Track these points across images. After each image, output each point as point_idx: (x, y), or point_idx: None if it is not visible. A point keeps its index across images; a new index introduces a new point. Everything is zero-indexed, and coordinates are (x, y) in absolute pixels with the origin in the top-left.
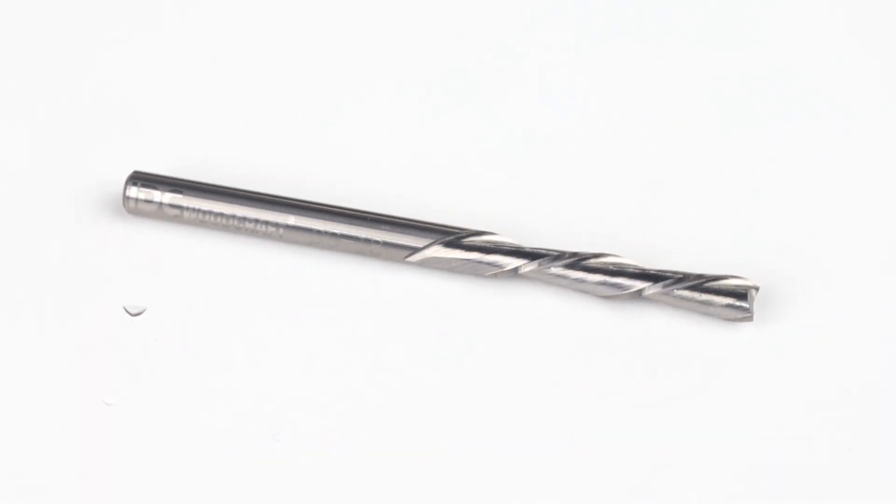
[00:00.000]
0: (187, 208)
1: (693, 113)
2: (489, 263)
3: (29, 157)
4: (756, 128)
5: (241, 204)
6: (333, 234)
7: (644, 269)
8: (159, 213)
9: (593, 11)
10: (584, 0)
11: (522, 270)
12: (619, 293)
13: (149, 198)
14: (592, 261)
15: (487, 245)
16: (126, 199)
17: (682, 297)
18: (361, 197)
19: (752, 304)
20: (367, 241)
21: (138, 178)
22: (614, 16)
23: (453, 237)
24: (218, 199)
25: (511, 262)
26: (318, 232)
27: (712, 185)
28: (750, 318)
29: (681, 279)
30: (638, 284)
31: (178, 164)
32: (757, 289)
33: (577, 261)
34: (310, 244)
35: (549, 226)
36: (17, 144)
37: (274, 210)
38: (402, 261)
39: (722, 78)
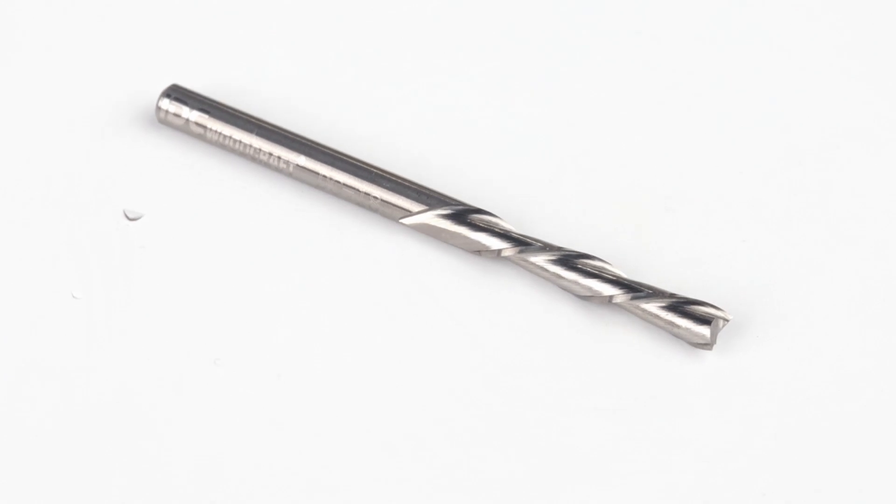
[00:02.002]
0: (210, 129)
1: (719, 136)
2: (474, 240)
3: (85, 62)
4: (783, 165)
5: (259, 135)
6: (337, 182)
7: (620, 278)
8: (186, 128)
9: (622, 16)
10: (616, 2)
11: (505, 254)
12: (589, 295)
13: (178, 112)
14: (575, 260)
15: (479, 223)
16: (158, 109)
17: (647, 313)
18: (388, 155)
19: (715, 334)
20: (367, 195)
21: (172, 92)
22: (640, 26)
23: (448, 208)
24: (239, 127)
25: (495, 244)
26: (324, 177)
27: (726, 212)
28: (709, 347)
29: (652, 295)
30: (609, 290)
31: (229, 82)
32: (727, 320)
33: (560, 257)
34: (316, 186)
35: (559, 222)
36: (79, 49)
37: (287, 147)
38: (398, 220)
39: (753, 99)
